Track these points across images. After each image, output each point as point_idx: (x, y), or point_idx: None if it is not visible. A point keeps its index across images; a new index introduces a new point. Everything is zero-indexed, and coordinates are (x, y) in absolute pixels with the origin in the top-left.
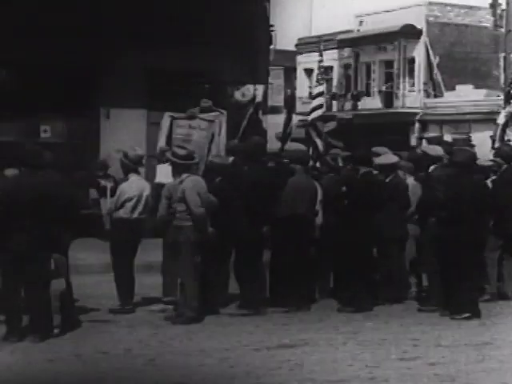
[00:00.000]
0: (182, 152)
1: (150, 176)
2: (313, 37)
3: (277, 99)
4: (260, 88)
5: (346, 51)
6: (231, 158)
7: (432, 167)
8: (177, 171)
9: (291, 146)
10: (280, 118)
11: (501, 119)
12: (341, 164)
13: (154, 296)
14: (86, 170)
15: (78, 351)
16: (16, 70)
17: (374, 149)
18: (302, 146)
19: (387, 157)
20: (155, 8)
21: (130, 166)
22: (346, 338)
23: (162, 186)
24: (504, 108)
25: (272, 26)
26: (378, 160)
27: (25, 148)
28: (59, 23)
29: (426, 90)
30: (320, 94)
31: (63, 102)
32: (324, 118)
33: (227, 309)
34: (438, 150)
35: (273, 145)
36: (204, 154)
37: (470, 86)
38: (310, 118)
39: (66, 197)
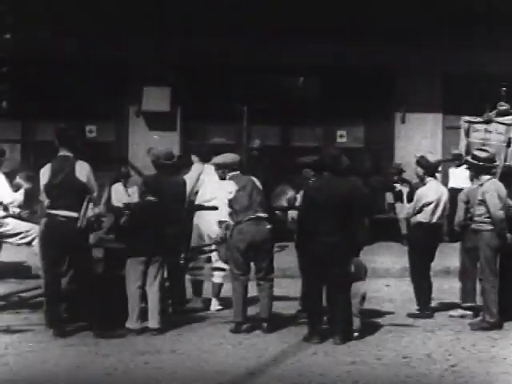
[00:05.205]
0: (483, 154)
1: (444, 180)
2: None
3: None
4: None
5: None
6: None
7: None
8: (476, 174)
9: None
10: None
11: None
12: None
13: (452, 301)
14: (383, 175)
15: (378, 354)
16: (314, 74)
17: None
18: None
19: None
20: (443, 11)
21: (428, 170)
22: None
23: (455, 190)
24: None
25: None
26: None
27: (324, 153)
28: (351, 25)
29: None
30: None
31: (360, 106)
32: None
33: None
34: None
35: None
36: (501, 159)
37: None
38: None
39: (364, 201)
